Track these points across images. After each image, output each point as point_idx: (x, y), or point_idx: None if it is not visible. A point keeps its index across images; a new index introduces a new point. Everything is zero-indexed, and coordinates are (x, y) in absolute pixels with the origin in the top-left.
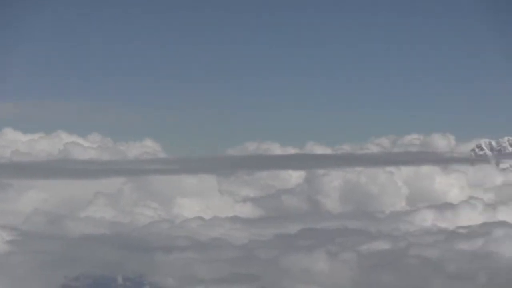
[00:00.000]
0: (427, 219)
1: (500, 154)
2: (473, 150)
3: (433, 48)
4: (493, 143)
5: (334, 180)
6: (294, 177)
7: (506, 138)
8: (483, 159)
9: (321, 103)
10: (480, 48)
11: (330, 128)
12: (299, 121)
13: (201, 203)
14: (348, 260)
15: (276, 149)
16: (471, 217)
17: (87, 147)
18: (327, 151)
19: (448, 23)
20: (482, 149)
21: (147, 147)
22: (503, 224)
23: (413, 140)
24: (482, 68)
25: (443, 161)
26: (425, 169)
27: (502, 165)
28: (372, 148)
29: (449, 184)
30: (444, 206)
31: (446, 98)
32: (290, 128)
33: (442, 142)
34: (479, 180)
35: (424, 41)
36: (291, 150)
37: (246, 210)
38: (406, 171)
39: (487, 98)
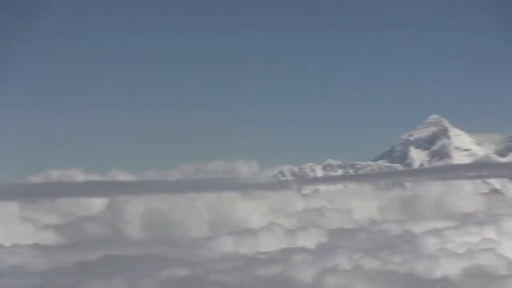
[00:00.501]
0: (228, 245)
1: (302, 180)
2: (275, 176)
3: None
4: (295, 169)
5: (136, 207)
6: (97, 204)
7: (308, 164)
8: (285, 185)
9: (126, 130)
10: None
11: (135, 155)
12: (104, 147)
13: (1, 231)
14: (147, 287)
15: (79, 176)
16: (271, 243)
17: None
18: (131, 178)
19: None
20: (284, 175)
21: None
22: (301, 249)
23: (216, 166)
24: (271, 94)
25: (246, 187)
26: (228, 195)
27: (304, 191)
28: (176, 174)
29: (250, 210)
30: (245, 232)
31: (248, 126)
32: (94, 154)
33: (245, 169)
34: (280, 206)
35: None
36: (94, 177)
37: (48, 238)
38: (208, 197)
39: (287, 126)
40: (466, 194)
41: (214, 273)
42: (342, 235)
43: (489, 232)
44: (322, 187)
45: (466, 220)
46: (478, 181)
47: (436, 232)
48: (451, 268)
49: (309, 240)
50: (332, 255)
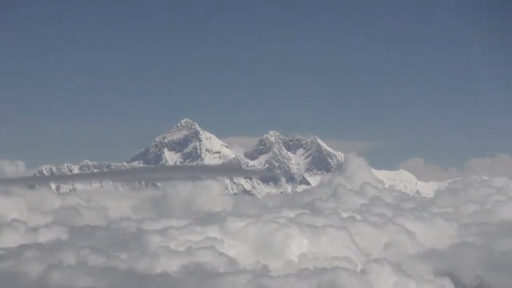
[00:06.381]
0: None
1: (59, 178)
2: (35, 175)
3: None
4: (54, 168)
5: None
6: None
7: (65, 164)
8: (44, 183)
9: None
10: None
11: None
12: None
13: None
14: None
15: None
16: (11, 239)
17: None
18: None
19: None
20: (43, 174)
21: None
22: (35, 245)
23: None
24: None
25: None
26: None
27: (62, 190)
28: None
29: (8, 207)
30: None
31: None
32: None
33: (10, 168)
34: (38, 204)
35: None
36: None
37: None
38: None
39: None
40: (215, 194)
41: None
42: (83, 232)
43: (213, 231)
44: (79, 186)
45: (208, 219)
46: (228, 182)
47: (162, 230)
48: (170, 265)
49: (48, 236)
50: (60, 251)
